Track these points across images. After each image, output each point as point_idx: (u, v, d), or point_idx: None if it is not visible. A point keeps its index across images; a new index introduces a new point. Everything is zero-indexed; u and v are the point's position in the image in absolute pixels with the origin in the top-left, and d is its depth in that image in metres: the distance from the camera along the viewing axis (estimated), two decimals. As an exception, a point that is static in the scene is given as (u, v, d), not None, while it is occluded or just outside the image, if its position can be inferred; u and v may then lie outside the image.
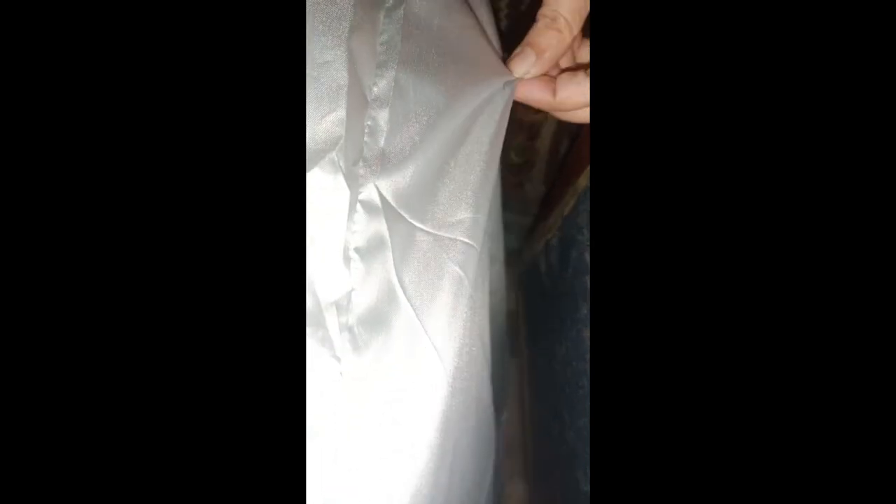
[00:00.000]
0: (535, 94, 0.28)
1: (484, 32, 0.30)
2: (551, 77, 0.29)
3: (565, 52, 0.29)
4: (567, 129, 0.66)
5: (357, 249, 0.24)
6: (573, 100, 0.28)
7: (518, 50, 0.28)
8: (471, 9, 0.29)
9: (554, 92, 0.28)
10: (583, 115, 0.29)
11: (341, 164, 0.24)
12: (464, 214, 0.28)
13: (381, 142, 0.25)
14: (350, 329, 0.24)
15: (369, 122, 0.25)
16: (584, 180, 0.56)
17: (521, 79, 0.28)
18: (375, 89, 0.25)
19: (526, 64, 0.27)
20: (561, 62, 0.30)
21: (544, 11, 0.27)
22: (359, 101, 0.24)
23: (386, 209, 0.25)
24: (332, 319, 0.24)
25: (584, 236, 0.56)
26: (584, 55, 0.31)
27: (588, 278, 0.55)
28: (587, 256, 0.55)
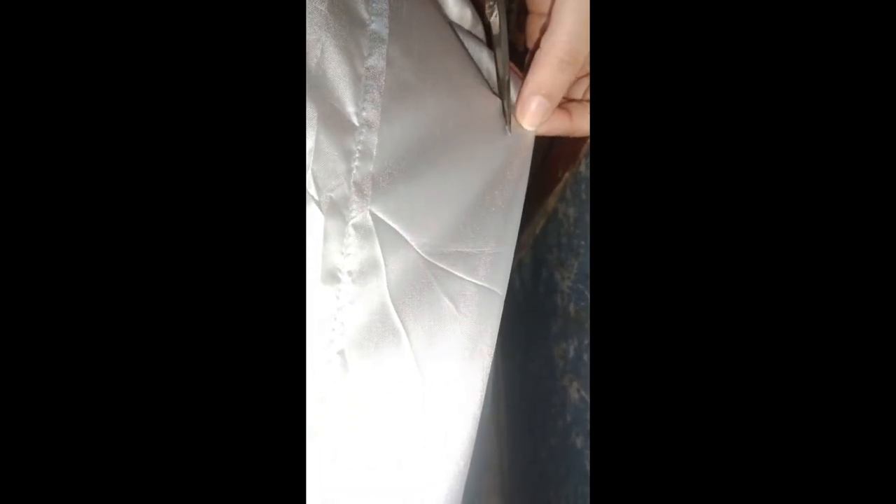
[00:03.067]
0: (555, 125, 0.31)
1: (468, 55, 0.30)
2: (563, 107, 0.31)
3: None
4: (539, 148, 0.66)
5: (350, 273, 0.25)
6: (587, 126, 0.31)
7: (529, 98, 0.29)
8: (453, 31, 0.30)
9: (570, 120, 0.31)
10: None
11: (312, 192, 0.24)
12: (464, 248, 0.27)
13: (371, 166, 0.25)
14: (341, 353, 0.24)
15: (359, 147, 0.25)
16: (553, 201, 0.56)
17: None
18: (364, 114, 0.25)
19: (541, 116, 0.29)
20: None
21: (555, 48, 0.27)
22: (334, 128, 0.24)
23: (381, 231, 0.25)
24: (314, 342, 0.24)
25: (554, 255, 0.57)
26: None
27: (558, 296, 0.55)
28: (557, 275, 0.56)
